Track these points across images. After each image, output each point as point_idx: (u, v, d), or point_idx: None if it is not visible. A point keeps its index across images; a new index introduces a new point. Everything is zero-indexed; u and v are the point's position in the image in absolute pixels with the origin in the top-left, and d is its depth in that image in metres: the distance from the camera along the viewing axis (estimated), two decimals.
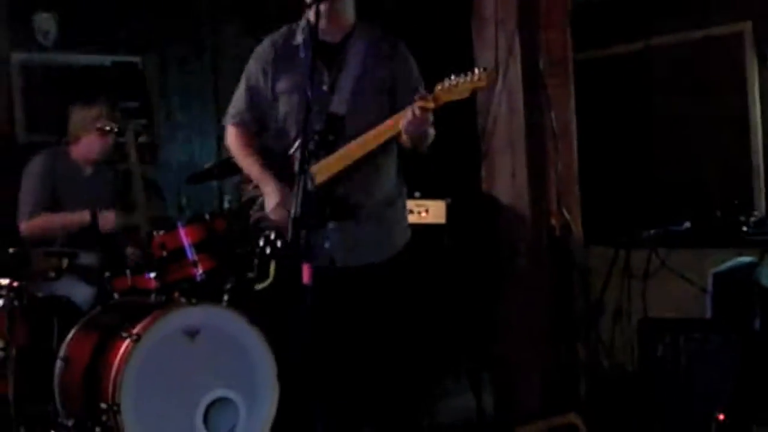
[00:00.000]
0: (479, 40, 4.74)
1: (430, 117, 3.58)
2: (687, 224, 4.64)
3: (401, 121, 3.56)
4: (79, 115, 4.96)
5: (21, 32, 5.96)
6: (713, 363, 3.89)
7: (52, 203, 4.88)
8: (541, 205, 4.57)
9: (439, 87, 3.53)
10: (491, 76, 3.50)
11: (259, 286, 3.92)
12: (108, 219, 4.82)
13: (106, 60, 6.20)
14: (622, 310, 4.60)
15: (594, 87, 4.98)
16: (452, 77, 3.50)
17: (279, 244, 3.73)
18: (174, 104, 6.41)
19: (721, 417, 3.76)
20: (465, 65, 4.58)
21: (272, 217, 3.76)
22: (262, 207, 3.84)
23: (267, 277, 3.85)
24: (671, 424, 3.90)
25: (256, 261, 3.88)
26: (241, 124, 3.94)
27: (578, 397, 4.48)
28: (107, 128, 4.88)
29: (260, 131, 3.96)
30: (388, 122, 3.63)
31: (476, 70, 3.48)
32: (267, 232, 3.79)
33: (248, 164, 3.90)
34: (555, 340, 4.49)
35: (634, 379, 4.31)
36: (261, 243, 3.80)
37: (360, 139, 3.66)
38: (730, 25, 5.18)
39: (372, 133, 3.65)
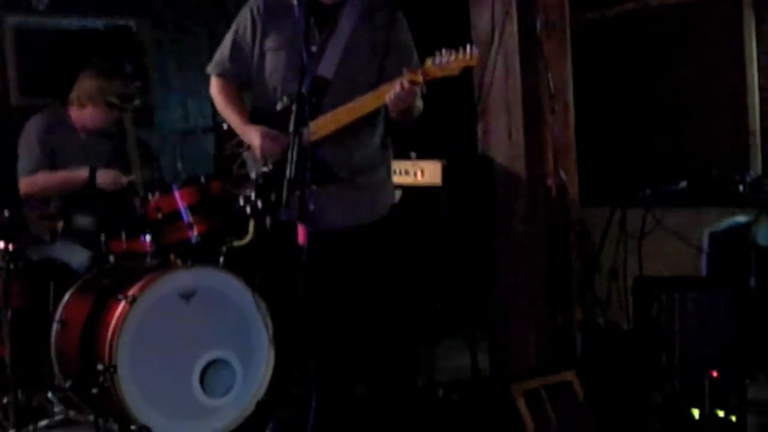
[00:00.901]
0: (475, 2, 4.71)
1: (418, 90, 3.56)
2: (683, 184, 4.64)
3: (389, 93, 3.54)
4: (91, 83, 4.89)
5: None
6: (708, 321, 3.91)
7: (50, 165, 4.86)
8: (537, 165, 4.55)
9: (429, 62, 3.52)
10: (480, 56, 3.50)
11: (237, 244, 3.93)
12: (107, 176, 4.80)
13: (100, 23, 6.16)
14: (617, 269, 4.61)
15: (591, 48, 4.96)
16: (443, 52, 3.49)
17: (258, 203, 3.73)
18: (169, 67, 6.38)
19: (715, 374, 3.78)
20: (461, 28, 4.62)
21: (261, 163, 3.74)
22: (243, 165, 3.84)
23: (246, 234, 3.86)
24: (666, 382, 3.91)
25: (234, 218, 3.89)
26: (223, 75, 3.93)
27: (574, 355, 4.50)
28: (115, 105, 4.85)
29: (242, 85, 3.94)
30: (377, 92, 3.61)
31: (468, 47, 3.46)
32: (247, 191, 3.78)
33: (229, 114, 3.90)
34: (551, 299, 4.49)
35: (630, 338, 4.33)
36: (241, 201, 3.80)
37: (347, 106, 3.65)
38: None
39: (360, 100, 3.64)
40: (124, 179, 4.81)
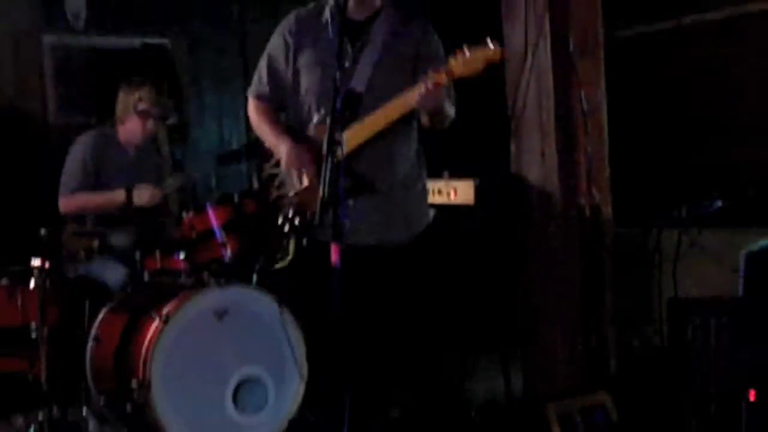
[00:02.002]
0: (509, 20, 4.71)
1: (445, 92, 3.54)
2: (719, 203, 4.59)
3: (415, 95, 3.54)
4: (123, 98, 4.99)
5: (52, 14, 6.01)
6: (744, 343, 3.86)
7: (96, 182, 4.91)
8: (570, 185, 4.53)
9: (452, 61, 3.49)
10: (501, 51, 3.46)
11: (278, 265, 3.93)
12: (144, 194, 4.85)
13: (136, 42, 6.23)
14: (652, 290, 4.56)
15: (625, 66, 4.93)
16: (464, 49, 3.46)
17: (297, 221, 3.74)
18: (203, 86, 6.43)
19: (753, 397, 3.73)
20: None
21: (286, 175, 3.75)
22: (281, 185, 3.86)
23: (287, 255, 3.86)
24: (701, 404, 3.87)
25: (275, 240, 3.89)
26: (260, 97, 3.97)
27: (609, 376, 4.46)
28: (147, 111, 4.91)
29: (279, 107, 3.97)
30: (402, 96, 3.60)
31: (488, 42, 3.44)
32: (286, 210, 3.79)
33: (263, 129, 3.93)
34: (585, 319, 4.47)
35: (664, 359, 4.28)
36: (280, 221, 3.80)
37: (374, 114, 3.64)
38: (763, 1, 5.10)
39: (386, 107, 3.62)
40: (160, 192, 4.86)
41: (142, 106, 4.93)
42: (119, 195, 4.85)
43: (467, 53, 3.45)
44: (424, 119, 3.67)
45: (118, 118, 5.01)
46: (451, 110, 3.71)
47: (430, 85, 3.48)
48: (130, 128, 4.99)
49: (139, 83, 5.00)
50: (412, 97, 3.55)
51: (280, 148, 3.81)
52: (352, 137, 3.61)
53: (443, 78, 3.49)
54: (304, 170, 3.71)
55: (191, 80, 6.40)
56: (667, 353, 4.22)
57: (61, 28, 6.04)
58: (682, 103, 5.18)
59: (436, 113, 3.63)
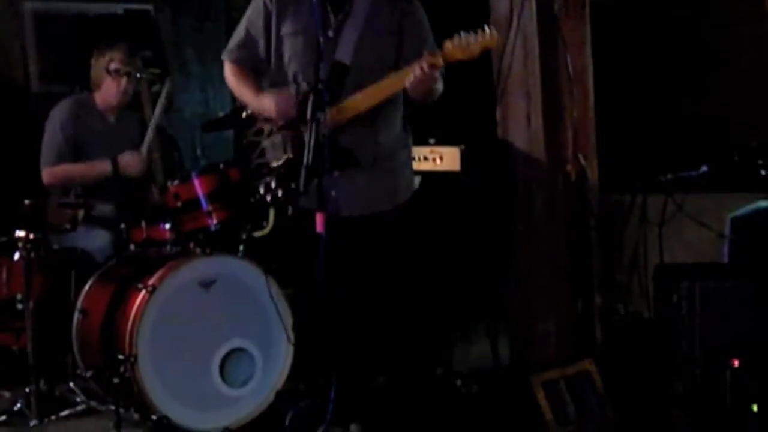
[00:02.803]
0: None
1: (438, 74, 3.53)
2: (704, 168, 4.59)
3: (408, 76, 3.52)
4: (95, 62, 4.96)
5: None
6: (729, 309, 3.87)
7: (76, 151, 4.88)
8: (556, 150, 4.51)
9: (449, 44, 3.48)
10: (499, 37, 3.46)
11: (258, 234, 3.92)
12: (129, 161, 4.82)
13: (119, 8, 6.16)
14: (638, 256, 4.57)
15: (611, 29, 4.89)
16: (462, 34, 3.46)
17: (279, 191, 3.73)
18: (188, 53, 6.37)
19: (736, 363, 3.75)
20: (479, 11, 4.58)
21: (277, 121, 3.73)
22: (262, 153, 3.84)
23: (267, 224, 3.85)
24: (686, 371, 3.89)
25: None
26: (236, 61, 3.93)
27: (594, 344, 4.47)
28: (119, 70, 4.86)
29: (257, 72, 3.93)
30: (397, 75, 3.59)
31: (486, 29, 3.43)
32: (267, 179, 3.78)
33: (243, 91, 3.91)
34: (571, 287, 4.46)
35: (650, 326, 4.30)
36: (261, 190, 3.79)
37: (367, 90, 3.63)
38: None
39: (380, 84, 3.62)
40: (145, 160, 4.83)
41: (113, 65, 4.88)
42: (105, 165, 4.82)
43: (464, 39, 3.44)
44: (413, 94, 3.65)
45: (93, 84, 4.98)
46: (439, 86, 3.69)
47: (425, 68, 3.47)
48: (106, 91, 4.94)
49: (109, 45, 4.95)
50: (405, 78, 3.53)
51: (264, 101, 3.79)
52: (343, 112, 3.60)
53: (439, 61, 3.48)
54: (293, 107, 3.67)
55: (175, 47, 6.34)
56: (653, 320, 4.23)
57: None
58: (669, 67, 5.14)
59: (428, 92, 3.62)
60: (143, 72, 4.93)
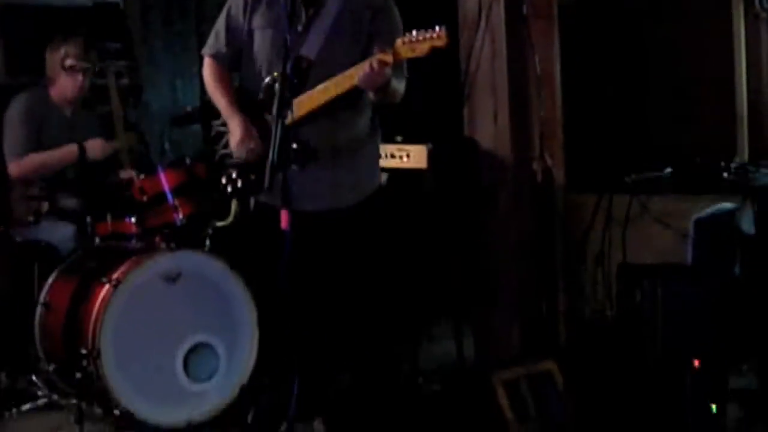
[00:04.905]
0: None
1: (389, 71, 3.53)
2: (669, 170, 4.62)
3: (358, 72, 3.53)
4: (49, 56, 4.90)
5: None
6: (691, 309, 3.90)
7: (37, 144, 4.83)
8: (523, 150, 4.54)
9: (399, 42, 3.50)
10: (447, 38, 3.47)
11: (219, 224, 3.91)
12: (95, 146, 4.79)
13: (87, 0, 6.11)
14: (603, 256, 4.59)
15: (579, 30, 4.92)
16: (413, 32, 3.47)
17: (240, 183, 3.73)
18: (156, 46, 6.33)
19: (697, 363, 3.78)
20: (448, 9, 4.60)
21: (235, 153, 3.75)
22: (227, 144, 3.83)
23: (228, 215, 3.85)
24: (647, 371, 3.91)
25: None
26: (216, 56, 3.92)
27: (558, 343, 4.50)
28: (75, 67, 4.81)
29: (234, 68, 3.93)
30: (348, 72, 3.59)
31: (437, 28, 3.44)
32: (230, 171, 3.78)
33: (217, 97, 3.89)
34: (535, 286, 4.49)
35: (613, 326, 4.32)
36: (223, 181, 3.79)
37: (322, 86, 3.63)
38: None
39: (333, 80, 3.61)
40: (111, 146, 4.80)
41: (68, 62, 4.81)
42: (72, 150, 4.77)
43: (414, 36, 3.45)
44: (370, 95, 3.65)
45: (48, 78, 4.91)
46: (400, 86, 3.70)
47: (375, 64, 3.47)
48: (62, 86, 4.88)
49: (64, 39, 4.88)
50: (355, 75, 3.53)
51: (232, 122, 3.79)
52: (299, 106, 3.60)
53: (388, 58, 3.49)
54: (252, 146, 3.69)
55: (143, 40, 6.30)
56: (616, 320, 4.25)
57: None
58: (636, 69, 5.18)
59: (380, 91, 3.62)
60: (100, 65, 4.87)
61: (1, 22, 5.89)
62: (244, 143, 3.73)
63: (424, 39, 3.44)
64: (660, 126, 5.07)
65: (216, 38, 3.92)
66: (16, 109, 4.85)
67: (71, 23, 5.87)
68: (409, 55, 3.48)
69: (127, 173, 4.78)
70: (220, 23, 3.90)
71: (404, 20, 3.83)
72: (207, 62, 3.96)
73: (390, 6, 3.80)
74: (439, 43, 3.44)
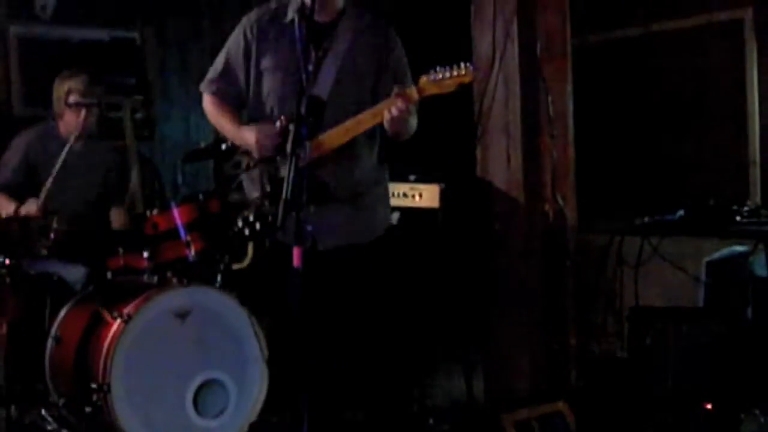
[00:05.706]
0: (477, 23, 4.70)
1: (414, 108, 3.56)
2: (681, 212, 4.63)
3: (384, 112, 3.54)
4: (55, 92, 4.91)
5: (19, 5, 5.94)
6: (702, 352, 3.89)
7: (32, 179, 4.81)
8: (535, 191, 4.54)
9: (424, 79, 3.52)
10: (473, 73, 3.49)
11: (236, 266, 3.91)
12: (30, 208, 4.67)
13: (104, 35, 6.17)
14: (614, 297, 4.59)
15: (592, 72, 4.95)
16: (437, 69, 3.49)
17: (257, 225, 3.74)
18: (172, 81, 6.38)
19: (709, 407, 3.76)
20: (461, 49, 4.62)
21: (256, 155, 3.75)
22: (240, 186, 3.85)
23: (245, 257, 3.85)
24: (659, 413, 3.90)
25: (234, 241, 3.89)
26: (215, 94, 3.94)
27: (568, 384, 4.48)
28: (79, 103, 4.81)
29: (238, 106, 3.95)
30: (374, 110, 3.61)
31: (462, 64, 3.47)
32: (245, 213, 3.79)
33: (223, 123, 3.92)
34: (546, 326, 4.48)
35: (624, 367, 4.31)
36: (239, 223, 3.80)
37: (344, 125, 3.65)
38: (730, 11, 5.14)
39: (356, 119, 3.64)
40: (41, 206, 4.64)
41: (72, 98, 4.82)
42: (8, 207, 4.69)
43: (440, 74, 3.47)
44: (390, 131, 3.67)
45: (55, 113, 4.92)
46: (414, 122, 3.72)
47: (401, 104, 3.49)
48: (68, 122, 4.88)
49: (69, 75, 4.90)
50: (381, 112, 3.55)
51: (244, 134, 3.80)
52: (319, 147, 3.62)
53: (414, 96, 3.50)
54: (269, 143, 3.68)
55: (159, 75, 6.35)
56: (627, 362, 4.24)
57: (28, 19, 5.97)
58: (649, 111, 5.20)
59: (404, 129, 3.64)
60: (108, 99, 4.88)
61: (19, 54, 5.95)
62: (263, 143, 3.72)
63: (451, 75, 3.47)
64: (672, 168, 5.08)
65: (214, 75, 3.94)
66: (17, 143, 4.89)
67: (88, 57, 5.94)
68: (435, 91, 3.51)
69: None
70: (219, 62, 3.93)
71: (418, 60, 3.86)
72: (206, 99, 3.99)
73: (396, 40, 3.84)
74: (467, 79, 3.47)
